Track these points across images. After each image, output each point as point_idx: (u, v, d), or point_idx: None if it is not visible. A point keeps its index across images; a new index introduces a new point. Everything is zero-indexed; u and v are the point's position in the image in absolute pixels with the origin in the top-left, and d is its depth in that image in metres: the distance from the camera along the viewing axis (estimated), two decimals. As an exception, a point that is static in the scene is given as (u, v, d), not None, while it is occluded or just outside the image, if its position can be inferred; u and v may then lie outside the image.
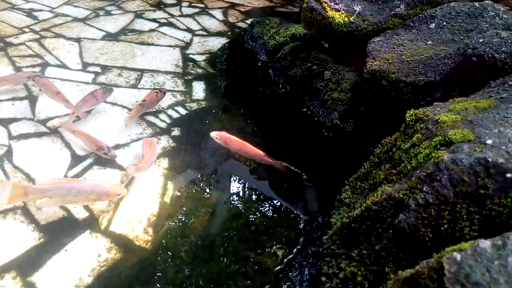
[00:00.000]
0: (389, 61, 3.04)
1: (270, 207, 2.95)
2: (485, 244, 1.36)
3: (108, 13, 5.59)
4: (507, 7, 3.20)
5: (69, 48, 4.58)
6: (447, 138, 1.90)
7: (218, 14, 6.02)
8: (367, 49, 3.29)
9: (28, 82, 3.79)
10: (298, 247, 2.63)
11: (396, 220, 1.84)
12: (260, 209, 2.93)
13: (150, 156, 3.04)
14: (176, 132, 3.54)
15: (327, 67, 3.91)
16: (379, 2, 3.75)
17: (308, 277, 2.31)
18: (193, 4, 6.22)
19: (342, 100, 3.63)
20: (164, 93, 3.74)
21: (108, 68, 4.30)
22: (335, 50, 4.06)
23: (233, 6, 6.38)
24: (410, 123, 2.32)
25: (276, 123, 3.85)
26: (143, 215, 2.77)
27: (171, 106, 3.84)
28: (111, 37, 4.96)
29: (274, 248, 2.63)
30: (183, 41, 5.09)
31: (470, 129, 1.90)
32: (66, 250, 2.50)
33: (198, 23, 5.66)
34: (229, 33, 5.47)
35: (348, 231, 2.17)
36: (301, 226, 2.79)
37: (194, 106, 3.90)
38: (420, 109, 2.34)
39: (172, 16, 5.76)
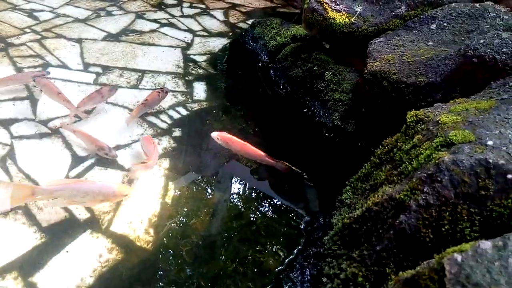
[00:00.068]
0: (390, 62, 3.04)
1: (271, 208, 2.96)
2: (486, 245, 1.36)
3: (109, 14, 5.59)
4: (507, 8, 3.20)
5: (70, 49, 4.58)
6: (448, 139, 1.91)
7: (219, 14, 6.03)
8: (368, 50, 3.29)
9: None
10: (299, 247, 2.63)
11: (397, 221, 1.84)
12: (261, 209, 2.94)
13: (155, 154, 3.06)
14: (177, 132, 3.55)
15: (328, 68, 3.91)
16: (380, 3, 3.75)
17: (309, 277, 2.31)
18: (194, 5, 6.22)
19: (343, 100, 3.63)
20: (166, 92, 3.74)
21: (109, 69, 4.30)
22: (336, 51, 4.06)
23: (234, 6, 6.38)
24: (411, 124, 2.32)
25: (277, 124, 3.85)
26: (144, 215, 2.77)
27: (172, 107, 3.84)
28: (112, 37, 4.96)
29: (275, 248, 2.63)
30: (184, 41, 5.09)
31: (471, 130, 1.91)
32: (67, 251, 2.50)
33: (199, 23, 5.66)
34: (230, 34, 5.47)
35: (349, 232, 2.17)
36: (302, 227, 2.79)
37: (195, 106, 3.91)
38: (421, 110, 2.35)
39: (173, 16, 5.77)
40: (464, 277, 1.29)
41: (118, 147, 3.27)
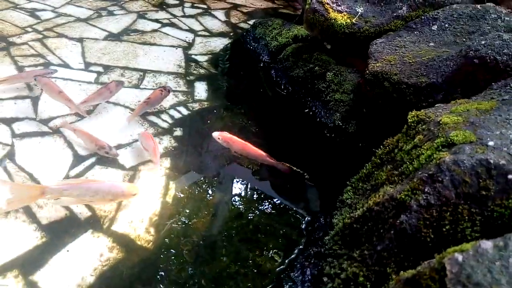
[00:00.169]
0: (391, 63, 3.04)
1: (272, 208, 2.96)
2: (487, 245, 1.36)
3: (110, 13, 5.59)
4: (509, 10, 3.21)
5: (71, 48, 4.59)
6: (449, 140, 1.91)
7: (221, 15, 6.03)
8: (369, 50, 3.29)
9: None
10: (300, 247, 2.63)
11: (398, 221, 1.85)
12: (262, 209, 2.94)
13: (155, 147, 3.10)
14: (178, 132, 3.55)
15: (329, 68, 3.91)
16: (381, 4, 3.75)
17: (310, 277, 2.31)
18: (195, 5, 6.22)
19: (344, 101, 3.63)
20: (169, 91, 3.74)
21: (111, 68, 4.30)
22: (337, 51, 4.07)
23: (235, 7, 6.38)
24: (412, 124, 2.32)
25: (278, 124, 3.86)
26: (145, 215, 2.78)
27: (173, 106, 3.84)
28: (113, 37, 4.96)
29: (276, 248, 2.63)
30: (185, 41, 5.09)
31: (472, 131, 1.91)
32: (68, 250, 2.50)
33: (201, 23, 5.66)
34: (231, 34, 5.47)
35: (350, 232, 2.17)
36: (303, 227, 2.79)
37: (196, 106, 3.91)
38: (422, 110, 2.35)
39: (175, 16, 5.77)
40: (465, 276, 1.29)
41: (119, 146, 3.27)
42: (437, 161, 1.80)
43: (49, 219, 2.66)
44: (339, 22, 3.63)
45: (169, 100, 3.86)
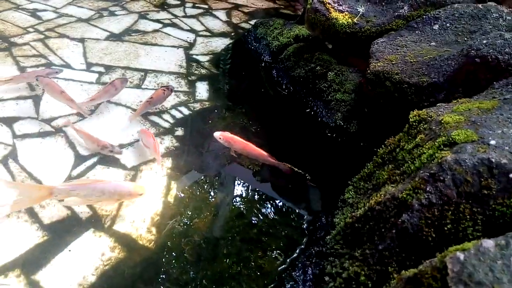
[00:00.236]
0: (393, 62, 3.04)
1: (273, 208, 2.96)
2: (489, 243, 1.36)
3: (112, 14, 5.60)
4: (510, 9, 3.21)
5: (73, 48, 4.59)
6: (450, 139, 1.91)
7: (222, 15, 6.03)
8: (370, 50, 3.29)
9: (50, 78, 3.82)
10: (302, 247, 2.63)
11: (400, 220, 1.84)
12: (264, 209, 2.94)
13: (156, 144, 3.13)
14: (179, 132, 3.55)
15: (330, 68, 3.91)
16: (383, 4, 3.75)
17: (311, 276, 2.31)
18: (196, 5, 6.23)
19: (346, 101, 3.63)
20: (171, 90, 3.75)
21: (112, 68, 4.31)
22: (338, 51, 4.07)
23: (236, 7, 6.39)
24: (414, 123, 2.32)
25: (279, 124, 3.86)
26: (146, 214, 2.78)
27: (175, 106, 3.85)
28: (115, 37, 4.97)
29: (277, 248, 2.63)
30: (186, 41, 5.10)
31: (473, 130, 1.91)
32: (69, 250, 2.50)
33: (202, 23, 5.67)
34: (232, 34, 5.47)
35: (351, 231, 2.17)
36: (304, 226, 2.79)
37: (197, 106, 3.91)
38: (424, 110, 2.35)
39: (176, 16, 5.77)
40: (466, 275, 1.29)
41: (120, 146, 3.27)
42: (439, 160, 1.80)
43: (51, 218, 2.67)
44: (340, 21, 3.63)
45: (171, 100, 3.86)
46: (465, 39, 3.07)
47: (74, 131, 3.25)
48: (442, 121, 2.09)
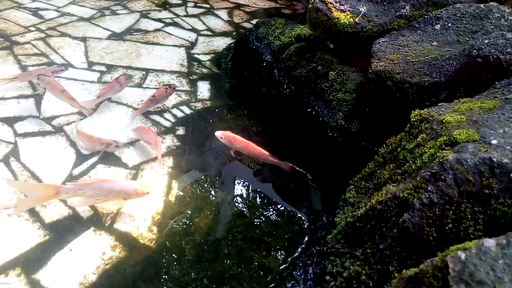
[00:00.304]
0: (394, 62, 3.04)
1: (274, 207, 2.95)
2: (490, 243, 1.36)
3: (113, 13, 5.60)
4: (512, 9, 3.21)
5: (74, 47, 4.60)
6: (452, 138, 1.91)
7: (223, 14, 6.03)
8: (372, 49, 3.29)
9: (55, 76, 3.82)
10: (303, 246, 2.63)
11: (401, 220, 1.84)
12: (264, 208, 2.93)
13: (156, 139, 3.15)
14: (180, 131, 3.55)
15: (332, 68, 3.91)
16: (384, 3, 3.75)
17: (312, 276, 2.31)
18: (198, 4, 6.23)
19: (347, 100, 3.63)
20: (174, 88, 3.75)
21: (114, 68, 4.31)
22: (340, 50, 4.06)
23: (238, 6, 6.39)
24: (415, 123, 2.32)
25: (281, 123, 3.86)
26: (147, 213, 2.78)
27: (176, 106, 3.85)
28: (116, 36, 4.97)
29: (278, 247, 2.63)
30: (188, 41, 5.10)
31: (475, 129, 1.91)
32: (70, 249, 2.50)
33: (203, 23, 5.67)
34: (234, 33, 5.47)
35: (352, 230, 2.17)
36: (305, 226, 2.79)
37: (198, 105, 3.91)
38: (425, 109, 2.35)
39: (177, 16, 5.78)
40: (467, 275, 1.28)
41: (120, 149, 3.27)
42: (440, 160, 1.80)
43: (52, 217, 2.67)
44: (342, 21, 3.63)
45: (172, 99, 3.86)
46: (467, 39, 3.07)
47: (76, 134, 3.25)
48: (444, 121, 2.09)
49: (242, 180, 3.19)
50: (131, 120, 3.52)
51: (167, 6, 6.04)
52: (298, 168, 3.12)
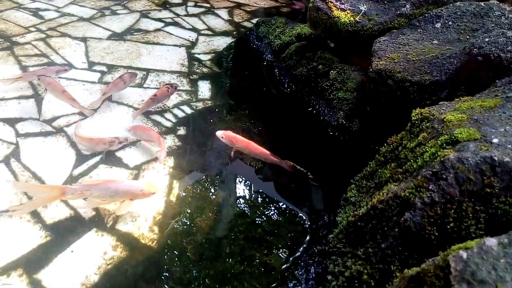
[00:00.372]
0: (395, 61, 3.04)
1: (276, 206, 2.95)
2: (491, 242, 1.36)
3: (114, 13, 5.60)
4: (513, 7, 3.20)
5: (75, 48, 4.60)
6: (453, 137, 1.90)
7: (224, 13, 6.03)
8: (372, 48, 3.29)
9: (58, 75, 3.87)
10: (304, 245, 2.63)
11: (402, 219, 1.84)
12: (266, 208, 2.93)
13: (156, 136, 3.18)
14: (181, 131, 3.55)
15: (332, 67, 3.91)
16: (385, 2, 3.75)
17: (314, 275, 2.31)
18: (198, 4, 6.23)
19: (348, 99, 3.63)
20: (176, 88, 3.76)
21: (114, 68, 4.31)
22: (340, 49, 4.06)
23: (238, 6, 6.39)
24: (416, 122, 2.32)
25: (282, 123, 3.86)
26: (148, 213, 2.78)
27: (177, 105, 3.85)
28: (117, 36, 4.97)
29: (280, 246, 2.63)
30: (188, 40, 5.10)
31: (476, 128, 1.90)
32: (72, 249, 2.51)
33: (204, 22, 5.66)
34: (234, 33, 5.47)
35: (354, 230, 2.17)
36: (307, 225, 2.79)
37: (199, 105, 3.91)
38: (426, 108, 2.34)
39: (178, 15, 5.77)
40: (469, 274, 1.28)
41: (123, 146, 3.27)
42: (441, 159, 1.80)
43: (54, 218, 2.67)
44: (342, 20, 3.63)
45: (173, 99, 3.86)
46: (467, 37, 3.06)
47: (76, 139, 3.25)
48: (445, 120, 2.08)
49: (243, 180, 3.19)
50: (132, 120, 3.52)
51: (167, 6, 6.04)
52: (299, 167, 3.12)
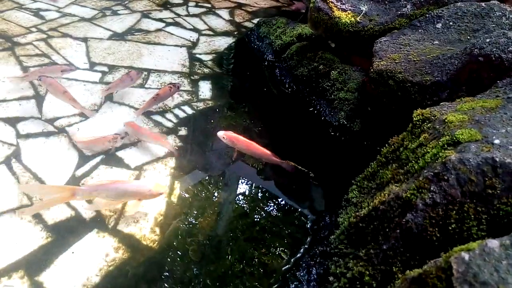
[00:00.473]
0: (396, 61, 3.04)
1: (277, 207, 2.96)
2: (493, 243, 1.36)
3: (115, 13, 5.60)
4: (514, 7, 3.20)
5: (76, 48, 4.60)
6: (454, 138, 1.90)
7: (225, 14, 6.03)
8: (373, 49, 3.29)
9: (63, 76, 3.89)
10: (306, 246, 2.63)
11: (404, 220, 1.84)
12: (267, 208, 2.94)
13: (147, 132, 3.27)
14: (182, 131, 3.55)
15: (333, 67, 3.91)
16: (386, 2, 3.75)
17: (315, 276, 2.31)
18: (199, 4, 6.23)
19: (349, 99, 3.63)
20: (178, 87, 3.76)
21: (115, 68, 4.31)
22: (341, 50, 4.06)
23: (239, 6, 6.39)
24: (417, 123, 2.32)
25: (283, 123, 3.86)
26: (150, 214, 2.78)
27: (178, 106, 3.85)
28: (118, 36, 4.97)
29: (281, 247, 2.63)
30: (189, 40, 5.10)
31: (477, 129, 1.90)
32: (73, 251, 2.51)
33: (205, 22, 5.67)
34: (235, 33, 5.47)
35: (355, 231, 2.17)
36: (308, 226, 2.79)
37: (200, 105, 3.91)
38: (427, 109, 2.34)
39: (179, 16, 5.77)
40: (471, 276, 1.28)
41: (124, 146, 3.27)
42: (443, 160, 1.80)
43: (55, 219, 2.67)
44: (343, 20, 3.62)
45: (175, 98, 3.86)
46: (468, 37, 3.06)
47: (77, 144, 3.25)
48: (446, 120, 2.08)
49: (244, 180, 3.19)
50: (136, 117, 3.52)
51: (168, 6, 6.04)
52: (300, 168, 3.12)
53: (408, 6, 3.55)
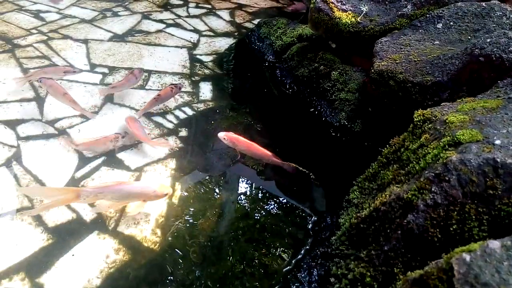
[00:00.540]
0: (397, 61, 3.04)
1: (278, 208, 2.95)
2: (495, 244, 1.35)
3: (115, 14, 5.60)
4: (514, 7, 3.19)
5: (76, 49, 4.60)
6: (455, 139, 1.90)
7: (225, 14, 6.03)
8: (374, 49, 3.28)
9: (65, 76, 3.91)
10: (307, 247, 2.63)
11: (405, 221, 1.84)
12: (268, 209, 2.93)
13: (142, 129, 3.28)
14: (183, 132, 3.55)
15: (334, 68, 3.90)
16: (386, 3, 3.74)
17: (316, 277, 2.31)
18: (200, 5, 6.23)
19: (350, 100, 3.63)
20: (180, 88, 3.77)
21: (116, 69, 4.31)
22: (342, 50, 4.06)
23: (240, 6, 6.39)
24: (418, 123, 2.31)
25: (284, 124, 3.86)
26: (151, 216, 2.78)
27: (178, 107, 3.84)
28: (118, 38, 4.97)
29: (282, 248, 2.62)
30: (190, 41, 5.10)
31: (478, 129, 1.90)
32: (73, 253, 2.50)
33: (205, 23, 5.67)
34: (236, 34, 5.47)
35: (356, 232, 2.17)
36: (309, 227, 2.79)
37: (201, 106, 3.91)
38: (428, 109, 2.34)
39: (179, 17, 5.77)
40: (472, 277, 1.28)
41: (124, 147, 3.27)
42: (444, 160, 1.80)
43: (56, 221, 2.67)
44: (343, 21, 3.62)
45: (177, 100, 3.86)
46: (469, 37, 3.06)
47: (78, 148, 3.25)
48: (447, 121, 2.08)
49: (245, 181, 3.19)
50: (138, 117, 3.53)
51: (168, 7, 6.04)
52: (301, 169, 3.12)
53: (409, 6, 3.54)
